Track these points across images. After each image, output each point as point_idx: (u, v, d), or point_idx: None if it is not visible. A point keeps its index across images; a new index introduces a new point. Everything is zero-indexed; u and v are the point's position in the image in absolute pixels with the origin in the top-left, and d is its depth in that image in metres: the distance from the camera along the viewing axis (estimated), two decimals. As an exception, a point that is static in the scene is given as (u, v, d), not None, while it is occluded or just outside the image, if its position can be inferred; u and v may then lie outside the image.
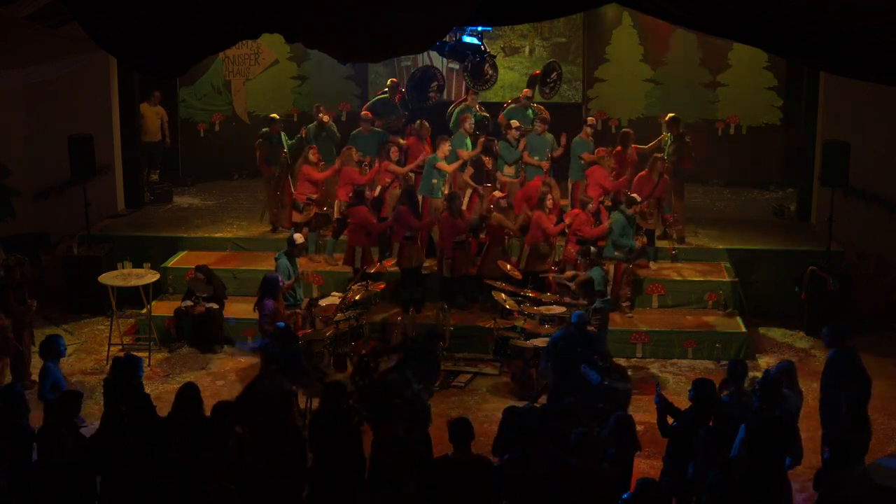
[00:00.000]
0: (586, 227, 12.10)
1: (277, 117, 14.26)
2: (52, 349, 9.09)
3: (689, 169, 13.65)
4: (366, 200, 12.31)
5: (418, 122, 13.77)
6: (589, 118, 14.01)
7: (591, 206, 12.37)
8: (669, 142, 13.66)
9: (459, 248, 12.23)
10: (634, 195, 12.26)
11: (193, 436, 7.40)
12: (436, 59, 15.40)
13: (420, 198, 12.84)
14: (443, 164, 12.87)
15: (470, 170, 13.37)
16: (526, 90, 14.16)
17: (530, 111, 14.07)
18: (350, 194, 12.54)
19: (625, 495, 6.87)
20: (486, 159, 13.36)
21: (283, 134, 13.99)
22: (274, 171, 13.80)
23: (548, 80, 13.74)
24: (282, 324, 9.92)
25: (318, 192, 13.29)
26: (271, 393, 8.49)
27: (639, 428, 9.86)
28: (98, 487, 7.47)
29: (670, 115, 13.99)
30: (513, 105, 14.29)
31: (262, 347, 9.28)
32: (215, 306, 12.11)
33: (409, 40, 7.32)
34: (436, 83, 13.19)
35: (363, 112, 14.17)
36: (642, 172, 13.03)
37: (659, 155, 13.06)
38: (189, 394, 7.97)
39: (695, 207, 15.15)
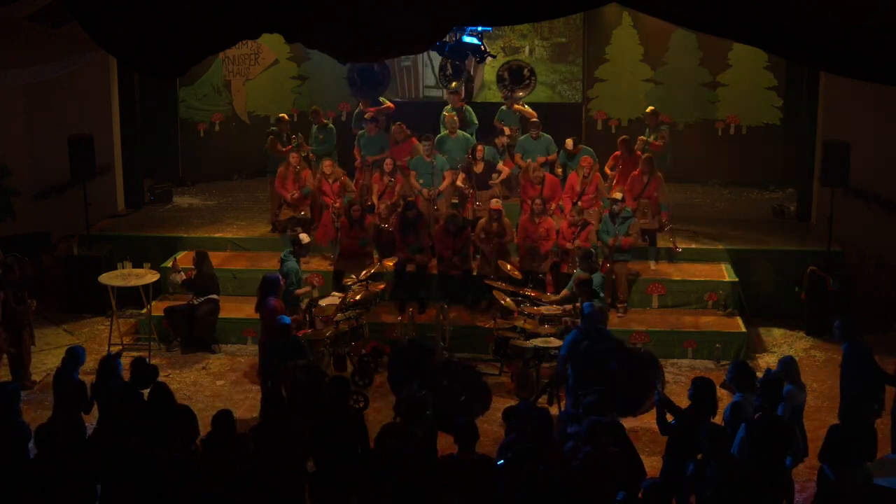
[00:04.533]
0: (563, 240, 12.24)
1: (286, 117, 14.27)
2: (76, 360, 9.02)
3: (656, 148, 13.71)
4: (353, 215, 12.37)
5: (393, 127, 13.81)
6: (567, 140, 13.81)
7: (616, 206, 12.32)
8: (648, 132, 13.94)
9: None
10: (616, 195, 12.25)
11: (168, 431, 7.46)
12: (435, 59, 15.42)
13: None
14: (414, 183, 13.09)
15: (462, 174, 13.38)
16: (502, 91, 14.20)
17: (514, 112, 14.14)
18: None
19: (619, 495, 6.89)
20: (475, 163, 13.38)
21: (291, 135, 14.04)
22: (278, 167, 13.81)
23: (523, 77, 13.69)
24: (287, 319, 9.93)
25: (294, 196, 13.30)
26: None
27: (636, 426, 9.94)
28: (98, 488, 7.48)
29: (650, 108, 14.35)
30: (503, 108, 14.34)
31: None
32: (193, 298, 12.09)
33: (409, 40, 7.32)
34: (375, 66, 13.23)
35: (369, 111, 14.18)
36: (634, 172, 13.04)
37: (647, 155, 13.04)
38: (161, 392, 8.12)
39: (695, 207, 15.17)
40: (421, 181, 13.10)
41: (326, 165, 13.42)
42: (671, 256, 13.17)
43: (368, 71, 13.30)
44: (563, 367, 9.45)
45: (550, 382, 10.30)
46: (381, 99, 14.42)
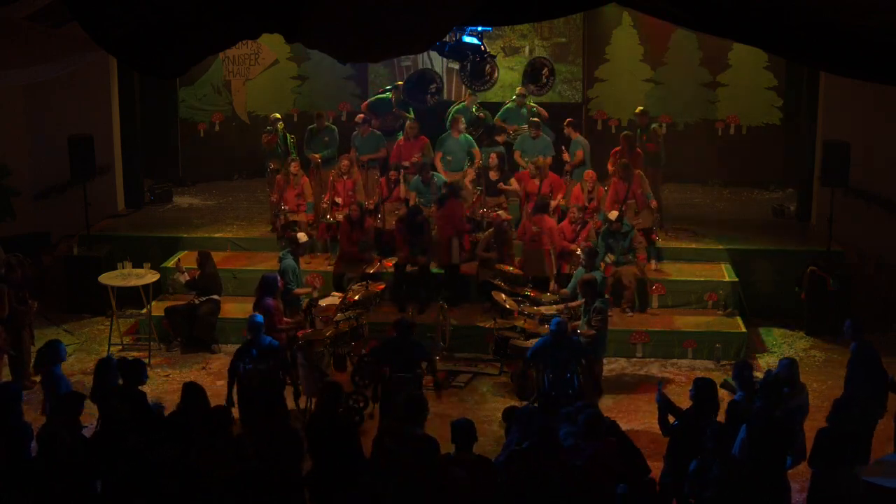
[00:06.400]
0: (563, 238, 12.33)
1: (279, 116, 14.28)
2: (54, 354, 9.03)
3: (651, 150, 13.81)
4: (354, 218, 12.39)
5: (408, 122, 13.84)
6: (568, 120, 14.00)
7: (612, 226, 12.28)
8: (640, 132, 13.97)
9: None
10: (612, 214, 12.21)
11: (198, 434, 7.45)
12: (436, 59, 15.42)
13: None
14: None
15: (472, 174, 13.43)
16: (520, 88, 14.22)
17: (524, 110, 14.16)
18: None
19: (621, 487, 6.92)
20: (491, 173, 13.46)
21: (287, 134, 14.06)
22: (277, 166, 13.84)
23: (540, 77, 13.73)
24: (260, 317, 9.91)
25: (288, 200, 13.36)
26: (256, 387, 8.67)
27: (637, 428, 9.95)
28: (98, 487, 7.48)
29: (639, 108, 14.36)
30: (508, 105, 14.35)
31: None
32: (195, 297, 12.10)
33: (409, 40, 7.31)
34: (434, 85, 13.26)
35: (363, 108, 14.24)
36: (614, 179, 13.00)
37: (625, 160, 13.00)
38: (195, 392, 8.04)
39: (695, 207, 15.18)
40: (420, 200, 13.12)
41: (344, 164, 13.37)
42: (671, 256, 13.18)
43: (424, 84, 13.34)
44: (526, 367, 9.77)
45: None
46: (411, 109, 14.40)
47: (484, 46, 11.08)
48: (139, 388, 8.50)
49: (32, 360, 11.06)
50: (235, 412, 8.87)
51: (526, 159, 13.52)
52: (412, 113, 14.24)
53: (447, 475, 7.11)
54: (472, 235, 12.73)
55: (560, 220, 12.82)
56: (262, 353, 9.41)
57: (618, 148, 13.60)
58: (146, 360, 11.30)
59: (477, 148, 13.84)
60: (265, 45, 16.40)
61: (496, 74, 12.82)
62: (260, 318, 9.79)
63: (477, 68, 11.82)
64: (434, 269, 12.56)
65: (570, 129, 13.83)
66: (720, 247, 13.37)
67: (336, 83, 16.65)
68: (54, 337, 12.08)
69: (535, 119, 13.85)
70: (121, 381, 8.58)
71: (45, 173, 14.80)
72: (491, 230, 12.61)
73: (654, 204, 12.96)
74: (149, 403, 8.40)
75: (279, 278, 10.88)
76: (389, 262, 12.28)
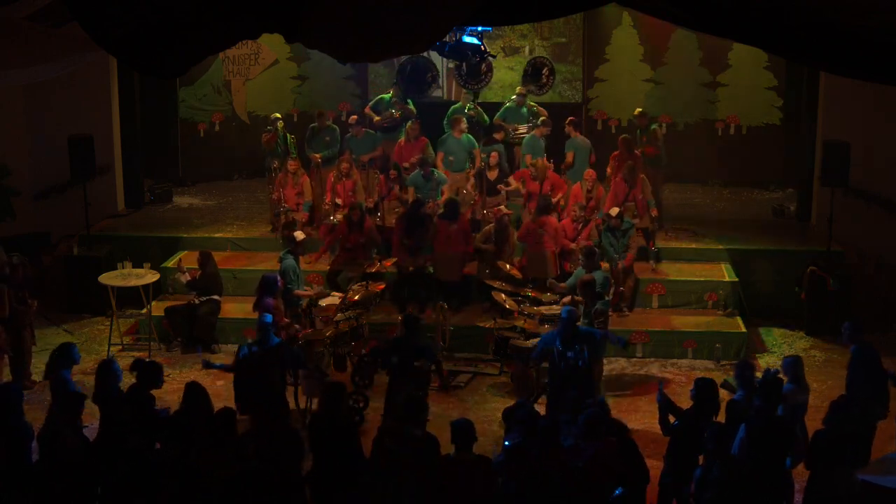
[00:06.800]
0: (565, 239, 12.35)
1: (279, 116, 14.30)
2: (68, 357, 8.99)
3: (651, 154, 13.83)
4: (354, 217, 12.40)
5: (409, 123, 13.85)
6: (570, 119, 14.08)
7: (613, 222, 12.27)
8: (639, 133, 14.03)
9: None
10: (612, 211, 12.21)
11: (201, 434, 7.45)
12: (435, 59, 15.42)
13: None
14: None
15: (472, 180, 13.44)
16: (520, 88, 14.24)
17: (524, 109, 14.17)
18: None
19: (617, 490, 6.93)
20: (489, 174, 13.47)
21: (287, 134, 14.08)
22: (278, 165, 13.87)
23: (541, 76, 13.76)
24: (269, 317, 9.89)
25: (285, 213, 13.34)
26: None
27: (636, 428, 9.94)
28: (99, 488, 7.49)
29: (638, 109, 14.42)
30: (508, 105, 14.36)
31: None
32: (195, 297, 12.10)
33: (409, 40, 7.31)
34: (430, 74, 13.22)
35: (366, 110, 14.27)
36: (616, 178, 13.00)
37: (630, 163, 13.01)
38: (197, 392, 8.02)
39: (695, 207, 15.18)
40: (419, 195, 13.13)
41: (344, 167, 13.37)
42: (671, 256, 13.18)
43: (420, 74, 13.33)
44: (534, 363, 9.89)
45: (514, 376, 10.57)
46: (409, 100, 14.41)
47: (484, 46, 11.08)
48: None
49: (32, 361, 11.13)
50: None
51: (535, 160, 13.50)
52: (412, 105, 14.25)
53: (447, 475, 7.12)
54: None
55: (559, 219, 12.81)
56: (273, 349, 9.45)
57: (616, 153, 13.57)
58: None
59: (478, 148, 13.83)
60: (265, 45, 16.40)
61: (491, 73, 12.86)
62: (269, 318, 9.78)
63: (473, 67, 11.83)
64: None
65: (569, 128, 13.85)
66: (720, 247, 13.37)
67: (336, 83, 16.65)
68: (54, 336, 12.17)
69: (545, 118, 13.86)
70: (134, 381, 8.56)
71: (45, 173, 14.80)
72: (492, 225, 12.60)
73: (654, 213, 12.94)
74: (155, 408, 8.39)
75: (279, 278, 10.88)
76: (389, 262, 12.27)
